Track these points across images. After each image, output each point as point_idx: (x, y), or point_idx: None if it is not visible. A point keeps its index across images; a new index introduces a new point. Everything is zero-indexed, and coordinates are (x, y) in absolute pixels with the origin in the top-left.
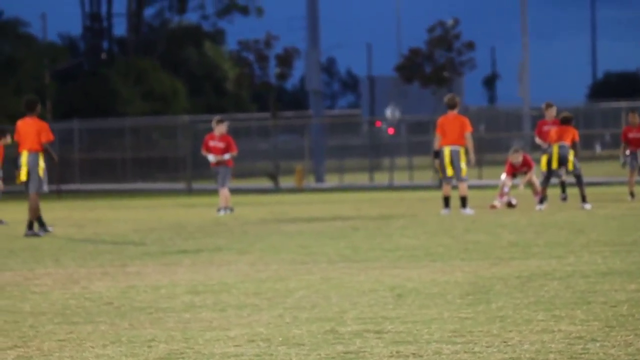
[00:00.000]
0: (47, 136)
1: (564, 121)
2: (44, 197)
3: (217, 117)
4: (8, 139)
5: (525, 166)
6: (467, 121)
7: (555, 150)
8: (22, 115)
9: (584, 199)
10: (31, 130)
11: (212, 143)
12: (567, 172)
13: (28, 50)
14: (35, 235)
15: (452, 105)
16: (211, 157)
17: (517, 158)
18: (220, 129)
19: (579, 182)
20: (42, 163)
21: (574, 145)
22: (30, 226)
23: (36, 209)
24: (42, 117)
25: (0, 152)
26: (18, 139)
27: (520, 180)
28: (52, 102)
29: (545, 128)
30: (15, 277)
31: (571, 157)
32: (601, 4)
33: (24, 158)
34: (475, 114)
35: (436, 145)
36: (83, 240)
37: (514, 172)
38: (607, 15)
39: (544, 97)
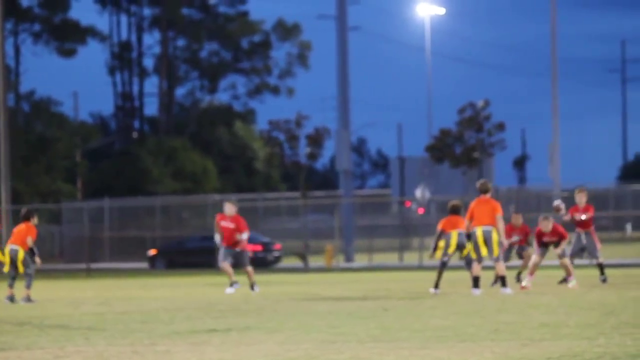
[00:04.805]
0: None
1: None
2: (73, 274)
3: (229, 199)
4: (36, 220)
5: (556, 236)
6: (497, 204)
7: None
8: (54, 193)
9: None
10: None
11: (223, 223)
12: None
13: (60, 129)
14: None
15: (484, 191)
16: (217, 238)
17: (546, 226)
18: (231, 209)
19: None
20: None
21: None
22: None
23: None
24: (73, 195)
25: (33, 232)
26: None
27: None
28: (83, 180)
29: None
30: (45, 355)
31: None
32: (632, 85)
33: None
34: (505, 195)
35: (467, 229)
36: (113, 318)
37: (544, 242)
38: (637, 97)
39: (575, 178)
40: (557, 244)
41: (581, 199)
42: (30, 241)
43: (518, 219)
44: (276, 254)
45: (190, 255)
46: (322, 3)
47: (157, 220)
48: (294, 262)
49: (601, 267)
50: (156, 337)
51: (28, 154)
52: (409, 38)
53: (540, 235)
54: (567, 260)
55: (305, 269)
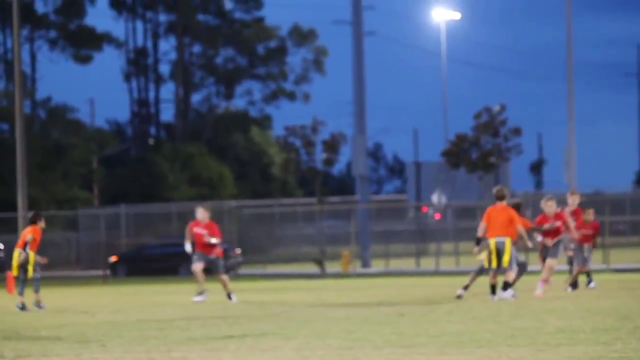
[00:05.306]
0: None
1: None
2: (90, 281)
3: (202, 205)
4: (42, 223)
5: (557, 219)
6: (514, 214)
7: None
8: (70, 200)
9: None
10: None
11: (197, 229)
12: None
13: (76, 136)
14: None
15: (500, 197)
16: (188, 246)
17: (550, 207)
18: (204, 215)
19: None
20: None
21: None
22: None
23: None
24: (89, 202)
25: (37, 232)
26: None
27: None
28: (100, 187)
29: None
30: None
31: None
32: None
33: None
34: (521, 200)
35: (480, 232)
36: (129, 325)
37: (546, 233)
38: None
39: (591, 182)
40: (555, 236)
41: (574, 201)
42: (29, 237)
43: (590, 215)
44: (238, 259)
45: (151, 261)
46: (337, 8)
47: (174, 226)
48: (310, 267)
49: (587, 272)
50: (172, 343)
51: (44, 160)
52: (425, 43)
53: (542, 222)
54: (555, 263)
55: (322, 275)
